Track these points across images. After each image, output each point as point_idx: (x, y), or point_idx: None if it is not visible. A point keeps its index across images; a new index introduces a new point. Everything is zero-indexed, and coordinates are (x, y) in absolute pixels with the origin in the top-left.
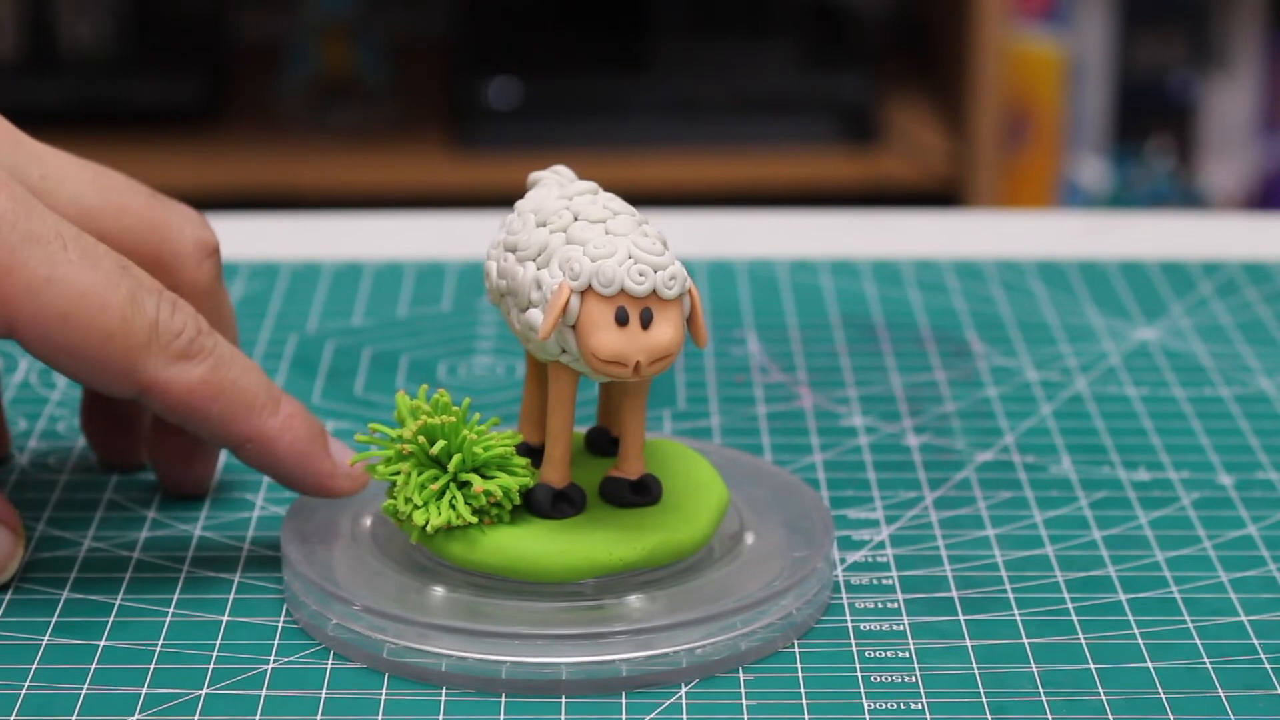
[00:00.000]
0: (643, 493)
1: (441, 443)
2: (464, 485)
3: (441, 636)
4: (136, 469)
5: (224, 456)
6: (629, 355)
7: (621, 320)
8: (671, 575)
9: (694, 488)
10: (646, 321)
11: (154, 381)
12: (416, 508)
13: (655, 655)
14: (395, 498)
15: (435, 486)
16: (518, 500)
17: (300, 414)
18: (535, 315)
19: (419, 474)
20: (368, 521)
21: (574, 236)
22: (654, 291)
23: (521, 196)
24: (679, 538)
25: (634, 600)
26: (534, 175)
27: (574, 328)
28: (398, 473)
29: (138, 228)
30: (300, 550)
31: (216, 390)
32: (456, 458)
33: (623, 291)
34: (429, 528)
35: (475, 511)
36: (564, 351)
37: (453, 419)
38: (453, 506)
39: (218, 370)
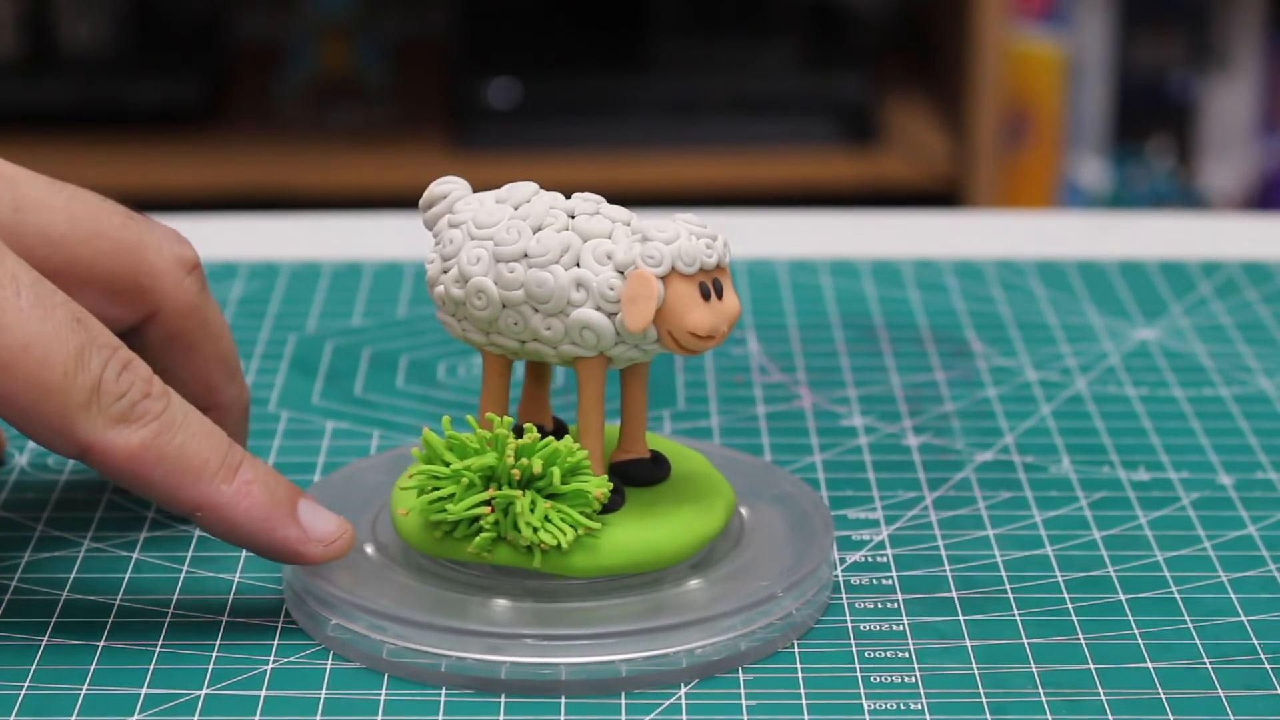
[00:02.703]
0: (663, 466)
1: (539, 460)
2: (551, 497)
3: (425, 634)
4: None
5: None
6: (719, 326)
7: (705, 294)
8: (653, 582)
9: (679, 458)
10: (720, 291)
11: (92, 444)
12: (536, 530)
13: (655, 655)
14: (488, 529)
15: (547, 505)
16: (608, 499)
17: (261, 479)
18: (588, 314)
19: (524, 496)
20: (369, 549)
21: (591, 230)
22: (718, 262)
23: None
24: (729, 496)
25: (602, 605)
26: (438, 190)
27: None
28: (484, 504)
29: (112, 251)
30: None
31: (159, 456)
32: (555, 471)
33: (700, 268)
34: (564, 545)
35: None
36: (618, 343)
37: (537, 436)
38: (565, 520)
39: (161, 435)
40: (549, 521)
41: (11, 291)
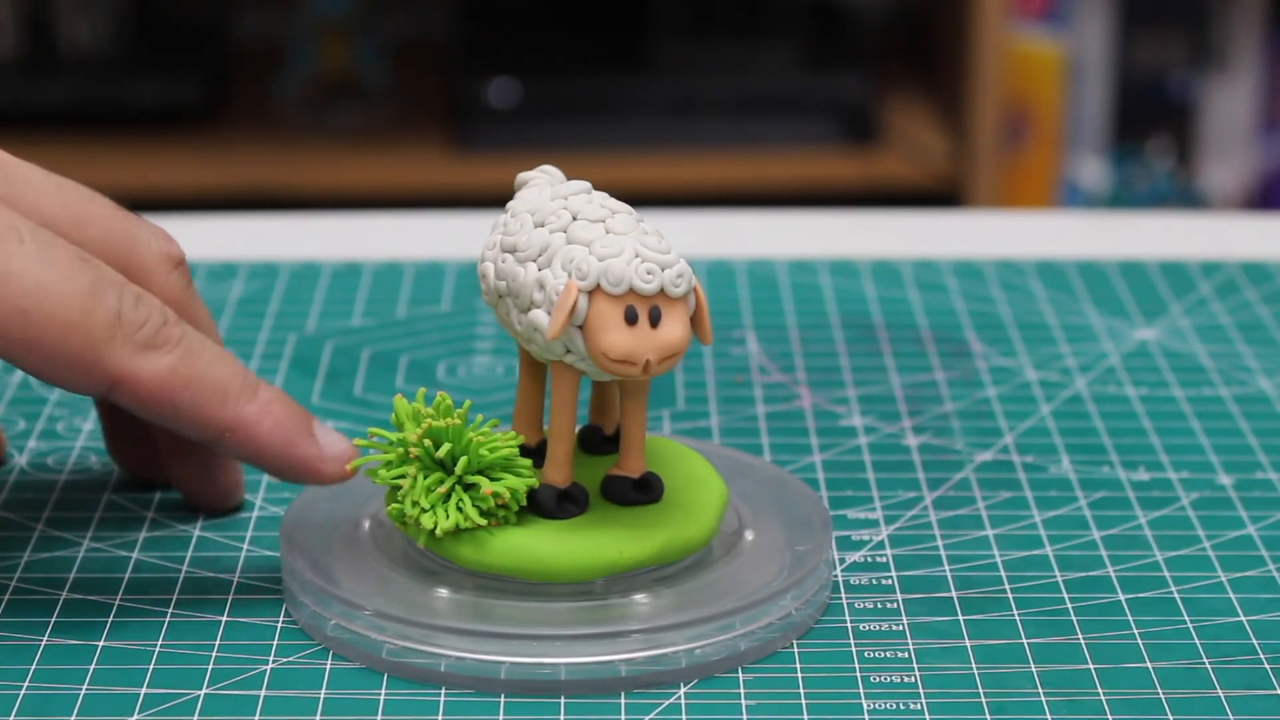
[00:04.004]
0: (645, 490)
1: (447, 445)
2: (469, 488)
3: (445, 637)
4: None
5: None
6: (639, 354)
7: (631, 319)
8: (674, 573)
9: (694, 484)
10: (655, 320)
11: (122, 373)
12: (424, 511)
13: (655, 655)
14: (400, 501)
15: (442, 490)
16: (524, 501)
17: (280, 399)
18: (539, 316)
19: (424, 477)
20: (366, 525)
21: (575, 236)
22: (662, 290)
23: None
24: (687, 534)
25: (640, 599)
26: (523, 175)
27: (581, 328)
28: (401, 476)
29: (101, 239)
30: (299, 550)
31: (187, 379)
32: (463, 460)
33: (631, 290)
34: (438, 531)
35: (483, 514)
36: (568, 351)
37: (457, 422)
38: (460, 509)
39: (187, 359)
40: (443, 506)
41: (15, 240)
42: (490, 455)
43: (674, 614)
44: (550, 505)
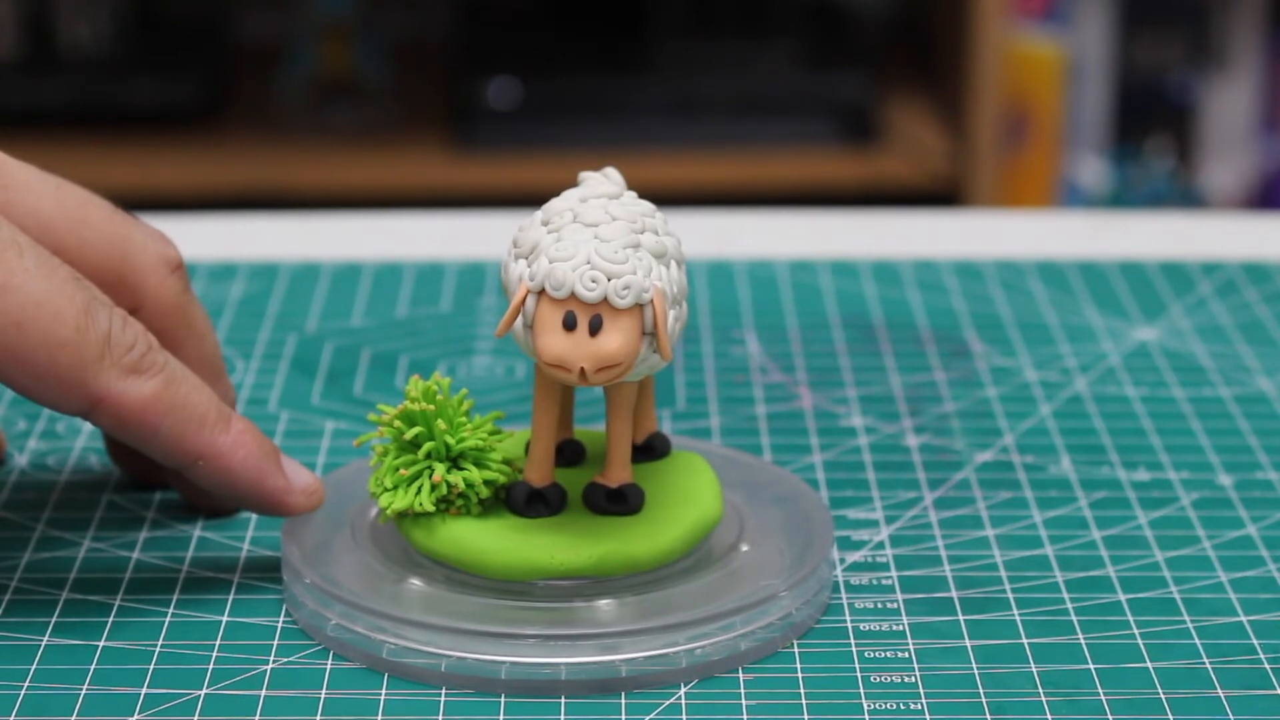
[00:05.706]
0: (619, 501)
1: (417, 429)
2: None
3: (425, 634)
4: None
5: None
6: (572, 360)
7: (569, 325)
8: (674, 574)
9: (680, 503)
10: (595, 328)
11: (106, 395)
12: (385, 490)
13: (655, 655)
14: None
15: (405, 472)
16: (484, 494)
17: (251, 431)
18: None
19: (395, 457)
20: (372, 511)
21: (567, 235)
22: (605, 299)
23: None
24: (632, 550)
25: (637, 599)
26: (582, 175)
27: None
28: (385, 454)
29: (98, 242)
30: (299, 549)
31: (169, 405)
32: (427, 445)
33: (573, 296)
34: (389, 511)
35: (441, 501)
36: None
37: (431, 407)
38: (418, 493)
39: (169, 385)
40: (404, 488)
41: (15, 254)
42: (456, 445)
43: (674, 614)
44: (519, 503)
